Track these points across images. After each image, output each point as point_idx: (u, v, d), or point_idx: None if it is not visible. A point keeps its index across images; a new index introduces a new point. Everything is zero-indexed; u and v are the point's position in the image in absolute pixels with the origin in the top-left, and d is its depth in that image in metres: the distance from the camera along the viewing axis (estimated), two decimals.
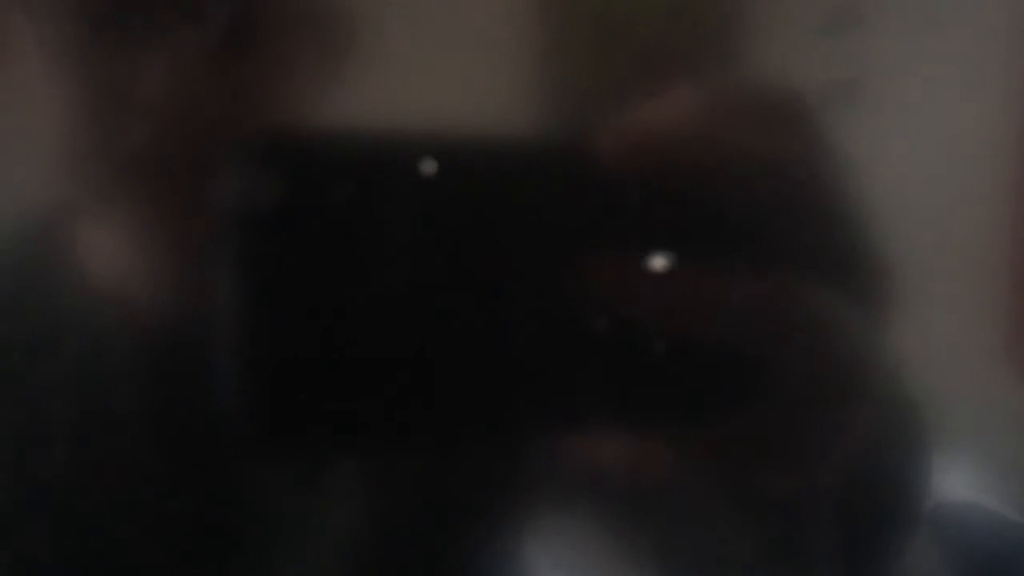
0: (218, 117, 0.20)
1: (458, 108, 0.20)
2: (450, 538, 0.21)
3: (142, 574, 0.21)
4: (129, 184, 0.20)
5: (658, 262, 0.20)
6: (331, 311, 0.20)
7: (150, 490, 0.21)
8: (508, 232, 0.20)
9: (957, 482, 0.22)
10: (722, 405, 0.20)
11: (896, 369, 0.21)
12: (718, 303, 0.20)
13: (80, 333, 0.21)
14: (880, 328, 0.20)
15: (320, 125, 0.20)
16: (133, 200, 0.20)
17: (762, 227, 0.20)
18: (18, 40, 0.20)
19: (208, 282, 0.20)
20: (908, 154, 0.20)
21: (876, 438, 0.21)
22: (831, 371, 0.20)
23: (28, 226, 0.21)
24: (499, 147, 0.20)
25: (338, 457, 0.21)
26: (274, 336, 0.20)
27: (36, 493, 0.21)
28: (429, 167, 0.19)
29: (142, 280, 0.21)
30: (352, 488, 0.21)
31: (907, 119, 0.20)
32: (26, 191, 0.20)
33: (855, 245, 0.20)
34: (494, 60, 0.20)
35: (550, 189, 0.20)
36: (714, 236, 0.20)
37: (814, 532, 0.21)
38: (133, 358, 0.21)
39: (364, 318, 0.20)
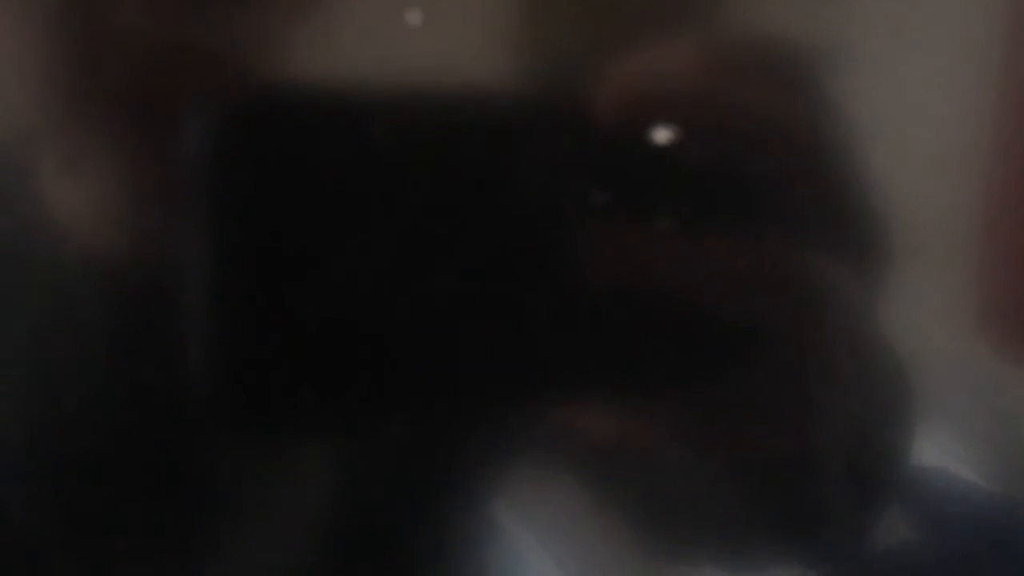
0: (190, 62, 0.19)
1: (443, 59, 0.19)
2: (431, 509, 0.21)
3: (104, 537, 0.21)
4: (98, 127, 0.19)
5: (650, 221, 0.19)
6: (306, 270, 0.20)
7: (113, 453, 0.21)
8: (496, 190, 0.19)
9: (927, 447, 0.22)
10: (711, 368, 0.20)
11: (882, 335, 0.21)
12: (710, 264, 0.20)
13: (42, 282, 0.20)
14: (870, 294, 0.20)
15: (296, 75, 0.19)
16: (102, 144, 0.20)
17: (757, 185, 0.20)
18: None
19: (177, 235, 0.20)
20: (888, 124, 0.20)
21: (863, 403, 0.21)
22: (821, 335, 0.20)
23: None
24: (487, 101, 0.19)
25: (313, 425, 0.21)
26: (244, 296, 0.20)
27: None
28: (411, 121, 0.19)
29: (108, 231, 0.20)
30: (328, 456, 0.21)
31: (888, 90, 0.20)
32: None
33: (849, 209, 0.20)
34: (479, 10, 0.19)
35: (540, 146, 0.19)
36: (708, 195, 0.19)
37: (797, 495, 0.21)
38: (97, 312, 0.20)
39: (341, 278, 0.20)
